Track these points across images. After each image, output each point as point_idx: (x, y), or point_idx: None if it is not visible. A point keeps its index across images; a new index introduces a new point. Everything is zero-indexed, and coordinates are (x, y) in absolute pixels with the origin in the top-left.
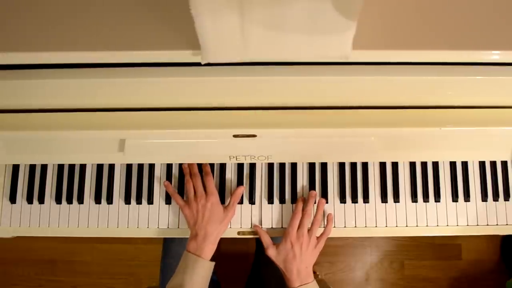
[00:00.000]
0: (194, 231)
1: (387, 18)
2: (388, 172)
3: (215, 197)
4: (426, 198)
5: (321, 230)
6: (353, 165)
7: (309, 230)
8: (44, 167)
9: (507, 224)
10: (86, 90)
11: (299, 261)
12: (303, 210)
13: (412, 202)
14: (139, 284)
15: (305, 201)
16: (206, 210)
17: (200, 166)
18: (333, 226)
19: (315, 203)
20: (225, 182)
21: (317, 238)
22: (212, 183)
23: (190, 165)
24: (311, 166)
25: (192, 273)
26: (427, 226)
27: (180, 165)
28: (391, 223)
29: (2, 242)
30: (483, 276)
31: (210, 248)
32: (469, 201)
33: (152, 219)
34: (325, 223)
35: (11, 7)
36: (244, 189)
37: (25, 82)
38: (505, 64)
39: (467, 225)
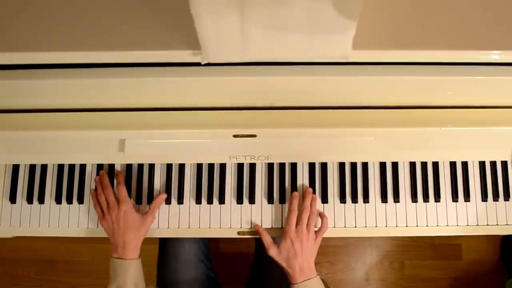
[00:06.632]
0: (114, 242)
1: (387, 18)
2: (388, 172)
3: (126, 204)
4: (426, 198)
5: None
6: (353, 165)
7: (306, 226)
8: (44, 167)
9: (507, 224)
10: (86, 90)
11: (300, 258)
12: (301, 206)
13: (412, 202)
14: None
15: (302, 198)
16: (120, 220)
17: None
18: (333, 226)
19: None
20: (225, 182)
21: (315, 233)
22: (123, 191)
23: (101, 176)
24: (311, 166)
25: (123, 275)
26: (427, 226)
27: (180, 165)
28: (391, 223)
29: (2, 242)
30: (483, 276)
31: (133, 253)
32: (469, 201)
33: None
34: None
35: (11, 7)
36: (165, 196)
37: (25, 82)
38: (505, 64)
39: (467, 225)
